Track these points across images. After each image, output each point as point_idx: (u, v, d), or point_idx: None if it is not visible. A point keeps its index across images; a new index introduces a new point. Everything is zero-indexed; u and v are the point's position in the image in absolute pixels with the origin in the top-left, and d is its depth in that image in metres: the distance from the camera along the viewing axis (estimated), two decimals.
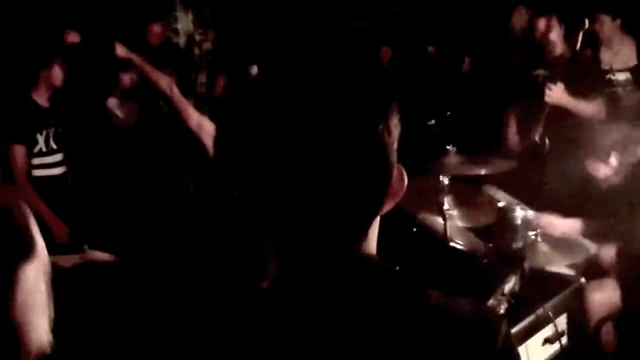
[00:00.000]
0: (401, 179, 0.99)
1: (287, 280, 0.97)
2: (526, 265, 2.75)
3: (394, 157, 0.95)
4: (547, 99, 4.37)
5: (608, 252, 3.28)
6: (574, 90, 4.37)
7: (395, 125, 0.95)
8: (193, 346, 0.98)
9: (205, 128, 3.51)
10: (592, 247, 3.22)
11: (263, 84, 0.99)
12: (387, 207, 0.99)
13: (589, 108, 4.32)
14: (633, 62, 5.23)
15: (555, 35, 4.64)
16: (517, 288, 2.61)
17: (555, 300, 2.67)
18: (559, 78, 4.40)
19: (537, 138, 4.34)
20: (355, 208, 0.93)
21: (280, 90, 0.93)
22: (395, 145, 0.96)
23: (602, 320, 3.21)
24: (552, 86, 4.35)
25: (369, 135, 0.91)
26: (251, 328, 0.95)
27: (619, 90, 5.10)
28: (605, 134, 3.36)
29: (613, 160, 3.26)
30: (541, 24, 4.69)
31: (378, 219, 1.00)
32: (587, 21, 4.46)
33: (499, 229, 2.87)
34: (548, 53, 4.70)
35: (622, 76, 5.19)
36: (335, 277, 0.94)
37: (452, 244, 3.05)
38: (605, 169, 3.28)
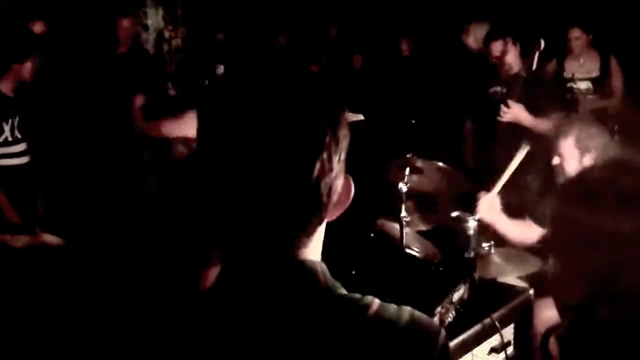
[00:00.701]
0: (348, 188, 1.01)
1: (228, 284, 0.98)
2: (476, 274, 2.79)
3: (338, 167, 0.96)
4: (503, 118, 4.45)
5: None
6: (531, 107, 4.45)
7: (344, 135, 0.97)
8: (129, 336, 0.98)
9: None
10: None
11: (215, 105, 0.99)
12: (333, 215, 1.01)
13: (545, 125, 4.38)
14: (596, 73, 5.38)
15: (511, 57, 4.73)
16: (466, 297, 2.65)
17: (502, 311, 2.70)
18: (515, 97, 4.47)
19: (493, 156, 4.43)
20: (294, 218, 0.94)
21: (226, 112, 0.94)
22: (343, 155, 0.97)
23: (549, 333, 3.26)
24: (509, 104, 4.42)
25: (307, 149, 0.92)
26: (188, 325, 0.96)
27: (580, 97, 5.23)
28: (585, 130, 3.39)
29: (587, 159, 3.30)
30: (496, 47, 4.78)
31: (323, 227, 1.01)
32: (542, 41, 4.52)
33: (451, 238, 2.90)
34: (504, 72, 4.79)
35: (583, 85, 5.36)
36: (273, 284, 0.95)
37: (408, 250, 3.08)
38: (575, 162, 3.32)
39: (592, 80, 5.38)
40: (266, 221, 0.93)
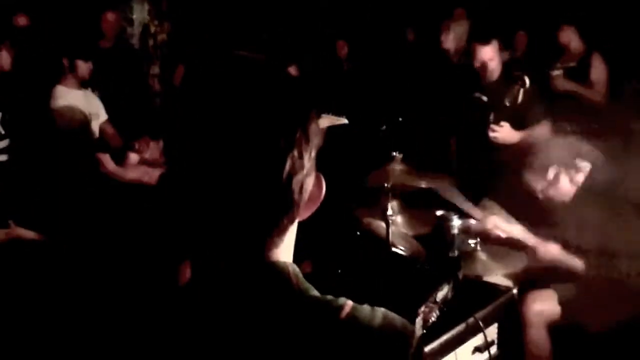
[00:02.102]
0: (320, 186, 1.00)
1: (199, 285, 0.96)
2: (460, 274, 2.78)
3: (309, 165, 0.94)
4: (493, 139, 4.38)
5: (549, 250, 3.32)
6: (516, 118, 4.41)
7: (315, 132, 0.95)
8: (105, 330, 0.97)
9: None
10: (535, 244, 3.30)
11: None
12: (304, 214, 0.99)
13: (535, 134, 4.35)
14: (573, 63, 5.41)
15: (495, 63, 4.56)
16: (449, 296, 2.64)
17: (486, 310, 2.71)
18: (501, 105, 4.40)
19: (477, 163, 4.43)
20: (264, 217, 0.93)
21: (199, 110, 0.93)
22: (314, 152, 0.95)
23: (539, 330, 3.27)
24: (498, 126, 4.36)
25: (277, 146, 0.91)
26: (163, 321, 0.96)
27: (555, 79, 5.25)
28: (547, 148, 3.40)
29: (550, 173, 3.31)
30: (486, 53, 4.53)
31: (295, 227, 1.00)
32: (527, 80, 4.41)
33: (436, 237, 2.90)
34: (486, 78, 4.60)
35: (556, 72, 5.34)
36: (243, 286, 0.93)
37: (394, 249, 3.07)
38: (543, 182, 3.34)
39: (568, 69, 5.35)
40: (235, 220, 0.91)
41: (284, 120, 0.92)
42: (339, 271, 3.14)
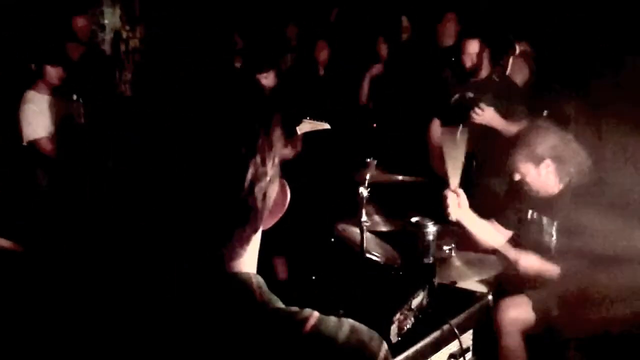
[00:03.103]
0: (284, 194, 0.98)
1: (161, 294, 0.93)
2: (435, 280, 2.77)
3: (272, 172, 0.92)
4: (475, 119, 4.45)
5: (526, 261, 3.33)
6: (502, 111, 4.46)
7: (278, 137, 0.93)
8: (80, 340, 0.94)
9: None
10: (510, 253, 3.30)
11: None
12: (268, 223, 0.97)
13: (516, 128, 4.39)
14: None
15: (481, 59, 4.69)
16: (424, 303, 2.63)
17: (461, 317, 2.69)
18: (486, 101, 4.47)
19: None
20: (226, 225, 0.90)
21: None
22: (277, 159, 0.93)
23: (513, 337, 3.27)
24: (482, 107, 4.43)
25: (239, 153, 0.89)
26: (124, 332, 0.93)
27: None
28: (542, 137, 3.38)
29: (544, 166, 3.30)
30: (472, 46, 4.69)
31: (259, 236, 0.97)
32: (517, 47, 4.51)
33: (410, 243, 2.88)
34: (474, 75, 4.77)
35: None
36: (205, 298, 0.91)
37: (368, 255, 3.06)
38: (534, 173, 3.32)
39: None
40: (196, 229, 0.89)
41: (245, 126, 0.90)
42: (314, 278, 3.13)
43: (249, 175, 0.88)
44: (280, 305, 0.94)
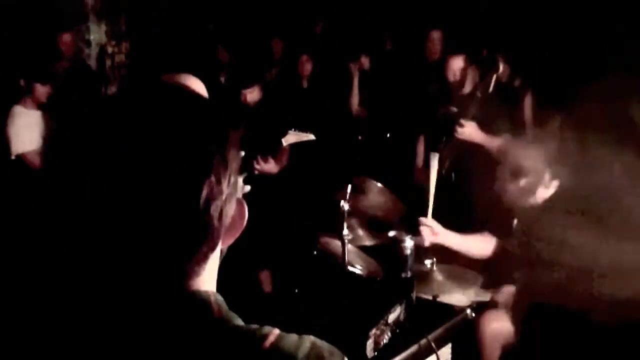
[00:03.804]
0: (242, 212, 0.98)
1: (117, 314, 0.94)
2: (413, 295, 2.78)
3: (228, 190, 0.93)
4: (458, 135, 4.48)
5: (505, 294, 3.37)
6: (485, 127, 4.49)
7: (234, 156, 0.94)
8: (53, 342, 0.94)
9: None
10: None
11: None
12: (227, 241, 0.98)
13: (498, 143, 4.43)
14: None
15: (465, 75, 4.75)
16: (402, 317, 2.64)
17: (439, 331, 2.70)
18: (469, 116, 4.51)
19: (443, 172, 4.46)
20: (183, 244, 0.90)
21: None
22: (234, 178, 0.94)
23: (494, 351, 3.28)
24: (464, 122, 4.46)
25: (193, 172, 0.89)
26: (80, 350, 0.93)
27: None
28: (525, 150, 3.40)
29: (524, 181, 3.32)
30: (457, 63, 4.78)
31: (217, 254, 0.98)
32: (500, 65, 4.55)
33: (389, 258, 2.90)
34: (457, 90, 4.82)
35: None
36: (161, 315, 0.91)
37: (350, 268, 3.07)
38: (515, 186, 3.34)
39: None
40: (151, 248, 0.89)
41: (198, 145, 0.90)
42: (296, 291, 3.14)
43: (204, 195, 0.89)
44: (240, 322, 0.95)
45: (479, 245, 3.51)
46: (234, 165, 0.94)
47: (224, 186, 0.92)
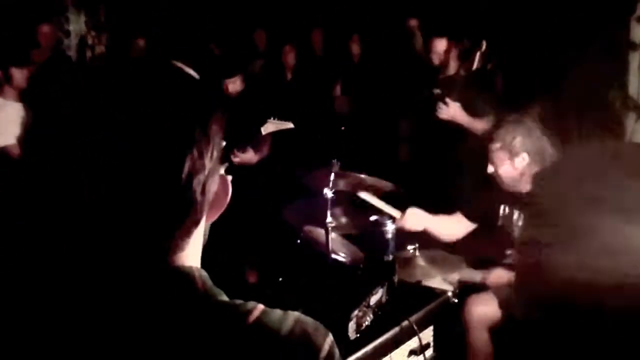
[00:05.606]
0: (225, 187, 0.98)
1: (99, 289, 0.94)
2: (395, 277, 2.80)
3: (210, 165, 0.92)
4: (440, 115, 4.52)
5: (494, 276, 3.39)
6: (469, 107, 4.52)
7: (216, 131, 0.94)
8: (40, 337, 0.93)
9: None
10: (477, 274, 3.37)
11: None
12: (211, 216, 0.98)
13: (481, 124, 4.47)
14: None
15: (449, 57, 4.78)
16: (384, 300, 2.66)
17: (420, 313, 2.72)
18: (453, 96, 4.53)
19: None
20: (165, 218, 0.90)
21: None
22: (216, 153, 0.94)
23: (481, 333, 3.31)
24: (447, 102, 4.49)
25: (175, 146, 0.89)
26: (61, 326, 0.92)
27: None
28: (519, 131, 3.40)
29: (519, 160, 3.33)
30: (440, 45, 4.82)
31: (201, 230, 0.98)
32: (484, 42, 4.59)
33: (370, 241, 2.91)
34: (441, 72, 4.85)
35: None
36: (144, 289, 0.91)
37: (334, 256, 3.07)
38: (509, 166, 3.35)
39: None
40: (133, 223, 0.89)
41: (180, 119, 0.90)
42: (280, 279, 3.13)
43: (186, 169, 0.89)
44: (224, 298, 0.95)
45: (454, 227, 3.54)
46: (216, 139, 0.94)
47: (207, 160, 0.92)
